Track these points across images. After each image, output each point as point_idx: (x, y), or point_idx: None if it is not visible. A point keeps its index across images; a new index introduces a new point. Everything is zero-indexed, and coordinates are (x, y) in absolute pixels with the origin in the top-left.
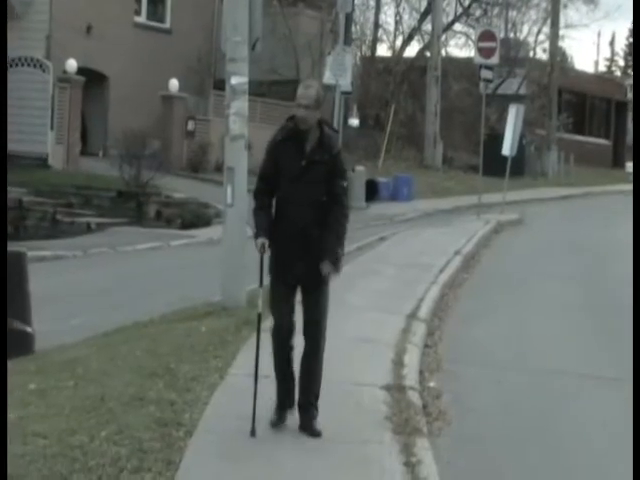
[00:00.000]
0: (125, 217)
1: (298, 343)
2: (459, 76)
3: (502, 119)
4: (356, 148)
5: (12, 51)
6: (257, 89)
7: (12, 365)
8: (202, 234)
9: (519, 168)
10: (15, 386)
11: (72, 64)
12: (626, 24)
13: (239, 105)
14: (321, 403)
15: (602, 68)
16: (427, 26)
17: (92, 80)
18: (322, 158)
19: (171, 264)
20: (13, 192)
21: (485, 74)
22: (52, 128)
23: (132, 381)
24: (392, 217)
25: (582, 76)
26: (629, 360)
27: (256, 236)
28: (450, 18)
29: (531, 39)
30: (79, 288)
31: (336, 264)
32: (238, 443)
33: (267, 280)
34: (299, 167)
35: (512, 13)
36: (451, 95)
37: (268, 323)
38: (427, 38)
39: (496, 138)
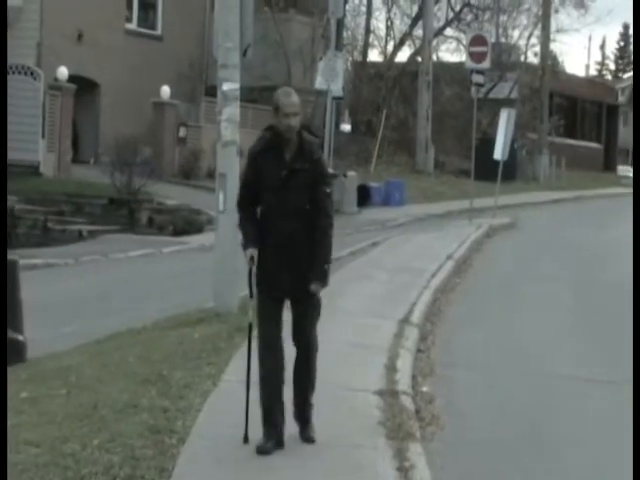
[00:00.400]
0: (117, 224)
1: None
2: (450, 81)
3: (494, 123)
4: (348, 153)
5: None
6: (249, 95)
7: None
8: (194, 241)
9: (511, 172)
10: (7, 394)
11: (63, 72)
12: (617, 28)
13: (231, 111)
14: (314, 408)
15: (593, 72)
16: (418, 31)
17: (83, 87)
18: (303, 166)
19: (163, 271)
20: None
21: (476, 78)
22: (43, 136)
23: (125, 388)
24: (384, 222)
25: (573, 80)
26: (622, 362)
27: (245, 247)
28: (441, 23)
29: (522, 43)
30: (71, 296)
31: (324, 279)
32: (231, 450)
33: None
34: (280, 177)
35: (503, 18)
36: (443, 100)
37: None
38: (418, 43)
39: (488, 142)
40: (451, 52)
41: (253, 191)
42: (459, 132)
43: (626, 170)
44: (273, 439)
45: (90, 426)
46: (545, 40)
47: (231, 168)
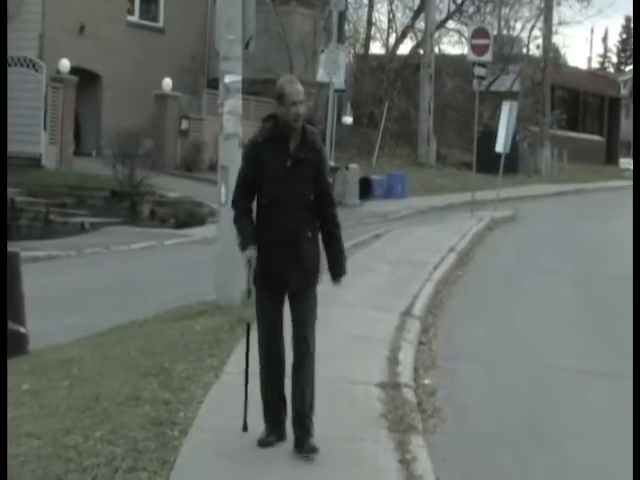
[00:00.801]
0: (119, 217)
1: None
2: (452, 73)
3: (495, 116)
4: (350, 146)
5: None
6: (251, 87)
7: None
8: (196, 233)
9: (512, 165)
10: (9, 386)
11: (65, 64)
12: (619, 21)
13: (233, 104)
14: (316, 401)
15: (595, 64)
16: (420, 24)
17: (85, 80)
18: (307, 156)
19: (165, 263)
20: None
21: (478, 71)
22: (45, 128)
23: (127, 381)
24: (386, 215)
25: (575, 72)
26: (622, 355)
27: (242, 247)
28: (443, 15)
29: (524, 36)
30: (73, 288)
31: (343, 272)
32: (233, 441)
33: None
34: (285, 168)
35: (505, 10)
36: (444, 92)
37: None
38: (420, 35)
39: (489, 135)
40: (453, 45)
41: (252, 186)
42: (461, 125)
43: (628, 163)
44: (275, 433)
45: (92, 418)
46: (547, 32)
47: (233, 160)
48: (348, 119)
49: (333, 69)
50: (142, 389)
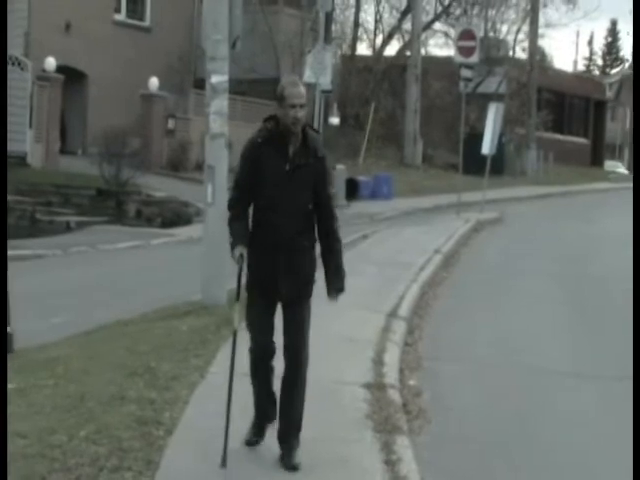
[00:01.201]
0: (105, 216)
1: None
2: (439, 75)
3: (482, 118)
4: (336, 147)
5: None
6: (237, 87)
7: None
8: (182, 233)
9: (499, 167)
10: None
11: (51, 62)
12: (604, 24)
13: (219, 104)
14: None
15: (581, 67)
16: (407, 25)
17: (71, 78)
18: (307, 161)
19: (152, 263)
20: None
21: (465, 73)
22: (31, 126)
23: (112, 380)
24: (372, 216)
25: (561, 75)
26: (608, 356)
27: (233, 246)
28: (430, 17)
29: (510, 38)
30: (59, 287)
31: (342, 286)
32: (218, 442)
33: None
34: (283, 172)
35: (492, 12)
36: (431, 94)
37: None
38: (407, 37)
39: (476, 137)
40: (440, 46)
41: (248, 188)
42: (447, 126)
43: (613, 165)
44: (264, 429)
45: (77, 417)
46: (533, 35)
47: (220, 160)
48: (335, 120)
49: (320, 70)
50: (127, 388)
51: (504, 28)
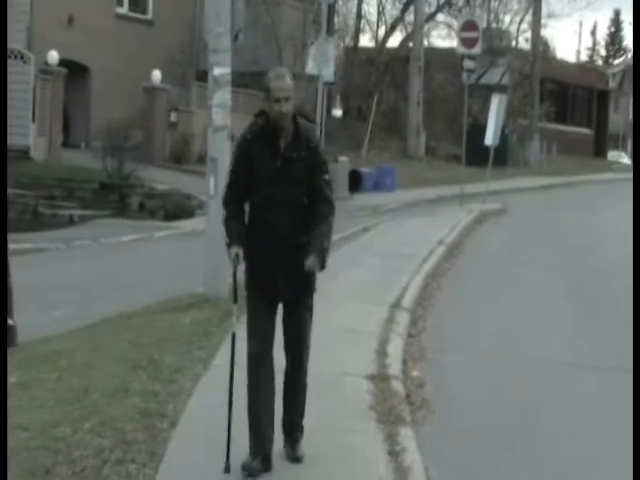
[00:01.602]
0: (108, 209)
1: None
2: (442, 66)
3: (485, 109)
4: (339, 139)
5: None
6: (239, 80)
7: None
8: (185, 225)
9: (502, 158)
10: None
11: (53, 56)
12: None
13: (222, 96)
14: (305, 392)
15: (584, 57)
16: (410, 16)
17: (74, 72)
18: (299, 155)
19: (154, 256)
20: None
21: (467, 64)
22: (34, 120)
23: (116, 373)
24: (375, 207)
25: (564, 65)
26: (610, 348)
27: (229, 245)
28: (433, 8)
29: (513, 29)
30: (62, 280)
31: (322, 259)
32: (222, 434)
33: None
34: (274, 167)
35: (494, 3)
36: (434, 85)
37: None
38: (410, 28)
39: (479, 128)
40: (442, 38)
41: (243, 185)
42: (450, 118)
43: (616, 156)
44: (260, 455)
45: (81, 410)
46: (536, 25)
47: (222, 153)
48: (337, 112)
49: (322, 62)
50: (131, 381)
51: (507, 19)
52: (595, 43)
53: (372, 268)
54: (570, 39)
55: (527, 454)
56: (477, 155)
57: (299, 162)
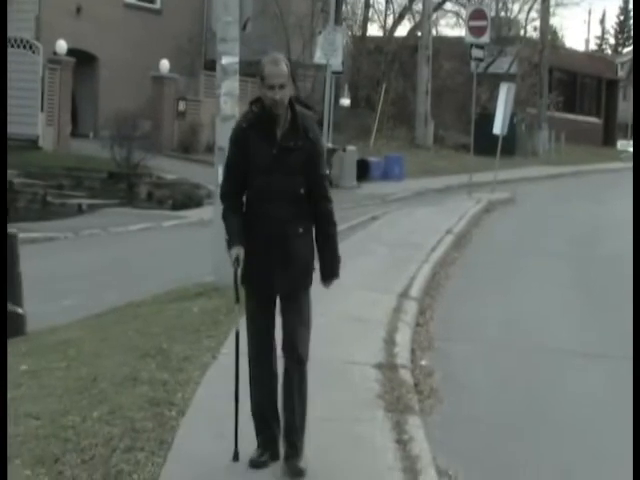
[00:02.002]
0: (116, 198)
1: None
2: (450, 55)
3: (493, 98)
4: (347, 128)
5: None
6: (248, 69)
7: None
8: (194, 215)
9: (510, 147)
10: (7, 367)
11: (62, 45)
12: (617, 2)
13: (230, 85)
14: (313, 382)
15: (593, 46)
16: (418, 5)
17: (82, 61)
18: (297, 144)
19: (163, 245)
20: None
21: (476, 53)
22: (42, 110)
23: (124, 362)
24: (384, 197)
25: (573, 54)
26: (619, 336)
27: (229, 245)
28: None
29: (522, 17)
30: (70, 269)
31: (336, 272)
32: (230, 422)
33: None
34: (270, 156)
35: None
36: (442, 74)
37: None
38: (418, 17)
39: (487, 117)
40: (451, 26)
41: (239, 177)
42: (458, 107)
43: (626, 145)
44: (268, 451)
45: (90, 399)
46: (545, 14)
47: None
48: (345, 101)
49: (330, 51)
50: (140, 370)
51: (515, 7)
52: (604, 32)
53: (380, 257)
54: (579, 28)
55: (535, 443)
56: (485, 144)
57: (297, 151)
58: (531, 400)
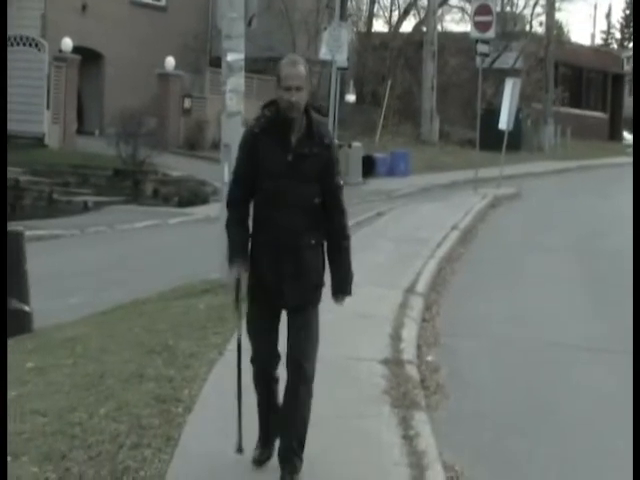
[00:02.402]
0: (122, 195)
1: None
2: (455, 51)
3: (499, 93)
4: (353, 124)
5: (7, 30)
6: (253, 66)
7: (11, 344)
8: (199, 212)
9: (516, 142)
10: (14, 364)
11: (67, 43)
12: None
13: (235, 82)
14: (319, 378)
15: (598, 41)
16: (423, 1)
17: (88, 59)
18: (312, 151)
19: (169, 242)
20: (10, 172)
21: (481, 48)
22: (48, 107)
23: (131, 358)
24: (389, 192)
25: (578, 49)
26: (625, 332)
27: (230, 260)
28: None
29: (527, 12)
30: (77, 267)
31: (349, 289)
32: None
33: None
34: (285, 163)
35: None
36: (447, 70)
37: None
38: (423, 13)
39: (493, 112)
40: (456, 22)
41: (248, 183)
42: (464, 102)
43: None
44: (270, 449)
45: (97, 395)
46: (550, 9)
47: (236, 139)
48: (351, 97)
49: (336, 47)
50: (146, 366)
51: (521, 2)
52: (610, 26)
53: (386, 253)
54: (585, 22)
55: (541, 439)
56: (491, 139)
57: (312, 158)
58: (536, 396)
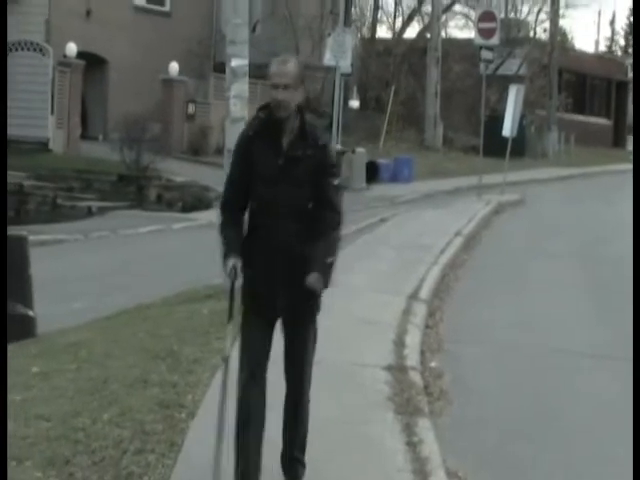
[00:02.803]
0: (126, 201)
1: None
2: (459, 57)
3: (502, 100)
4: (356, 130)
5: (11, 35)
6: (257, 71)
7: (14, 348)
8: (203, 217)
9: (519, 149)
10: (18, 369)
11: (72, 48)
12: (627, 3)
13: (239, 87)
14: (323, 384)
15: (602, 48)
16: (427, 7)
17: (92, 64)
18: (305, 153)
19: (172, 247)
20: (14, 176)
21: (485, 55)
22: (52, 112)
23: (135, 364)
24: (393, 198)
25: (582, 56)
26: (627, 339)
27: (225, 257)
28: None
29: (531, 19)
30: (80, 272)
31: (325, 276)
32: None
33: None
34: (276, 166)
35: None
36: (451, 76)
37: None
38: (427, 19)
39: (496, 119)
40: (460, 28)
41: (242, 187)
42: (468, 108)
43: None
44: None
45: (100, 401)
46: (554, 16)
47: None
48: (355, 103)
49: (340, 53)
50: (150, 372)
51: (525, 8)
52: (614, 33)
53: (389, 259)
54: (589, 29)
55: (544, 445)
56: (495, 146)
57: (304, 161)
58: (540, 402)
